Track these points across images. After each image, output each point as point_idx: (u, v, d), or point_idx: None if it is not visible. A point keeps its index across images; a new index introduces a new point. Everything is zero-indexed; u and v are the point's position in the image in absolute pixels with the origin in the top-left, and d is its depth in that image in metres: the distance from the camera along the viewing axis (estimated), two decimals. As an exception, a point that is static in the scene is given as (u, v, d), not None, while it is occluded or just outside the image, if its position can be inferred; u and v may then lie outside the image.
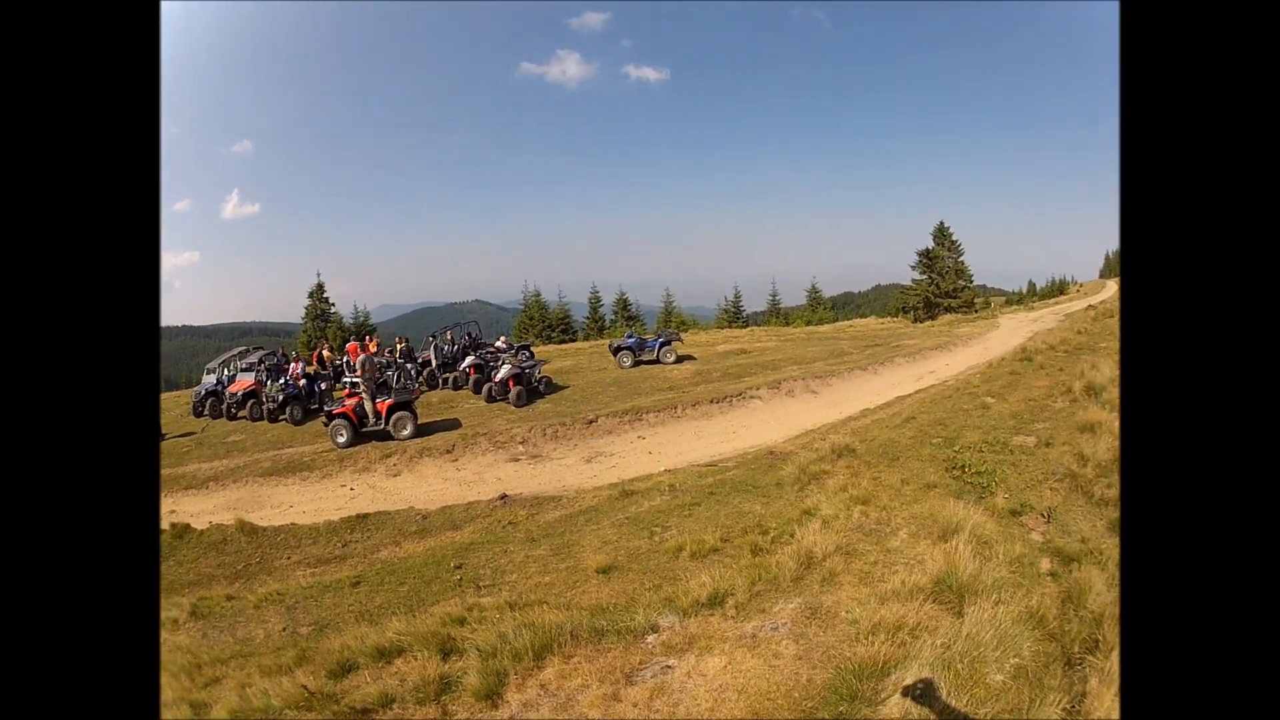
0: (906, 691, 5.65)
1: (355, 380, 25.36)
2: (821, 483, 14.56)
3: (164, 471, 23.95)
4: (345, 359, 34.12)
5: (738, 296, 58.84)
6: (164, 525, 19.30)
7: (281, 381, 29.12)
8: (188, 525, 18.97)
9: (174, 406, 37.48)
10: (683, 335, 36.17)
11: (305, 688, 7.27)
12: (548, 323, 55.78)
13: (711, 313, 62.74)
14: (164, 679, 8.66)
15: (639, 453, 21.42)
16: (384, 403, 24.01)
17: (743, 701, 5.98)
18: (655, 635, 7.50)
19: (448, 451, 22.16)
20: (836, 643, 6.82)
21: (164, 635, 12.40)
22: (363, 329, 53.00)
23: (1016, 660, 6.03)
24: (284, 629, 12.11)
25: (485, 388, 27.69)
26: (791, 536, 10.82)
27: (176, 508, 21.07)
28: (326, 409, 24.85)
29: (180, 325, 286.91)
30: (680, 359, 31.97)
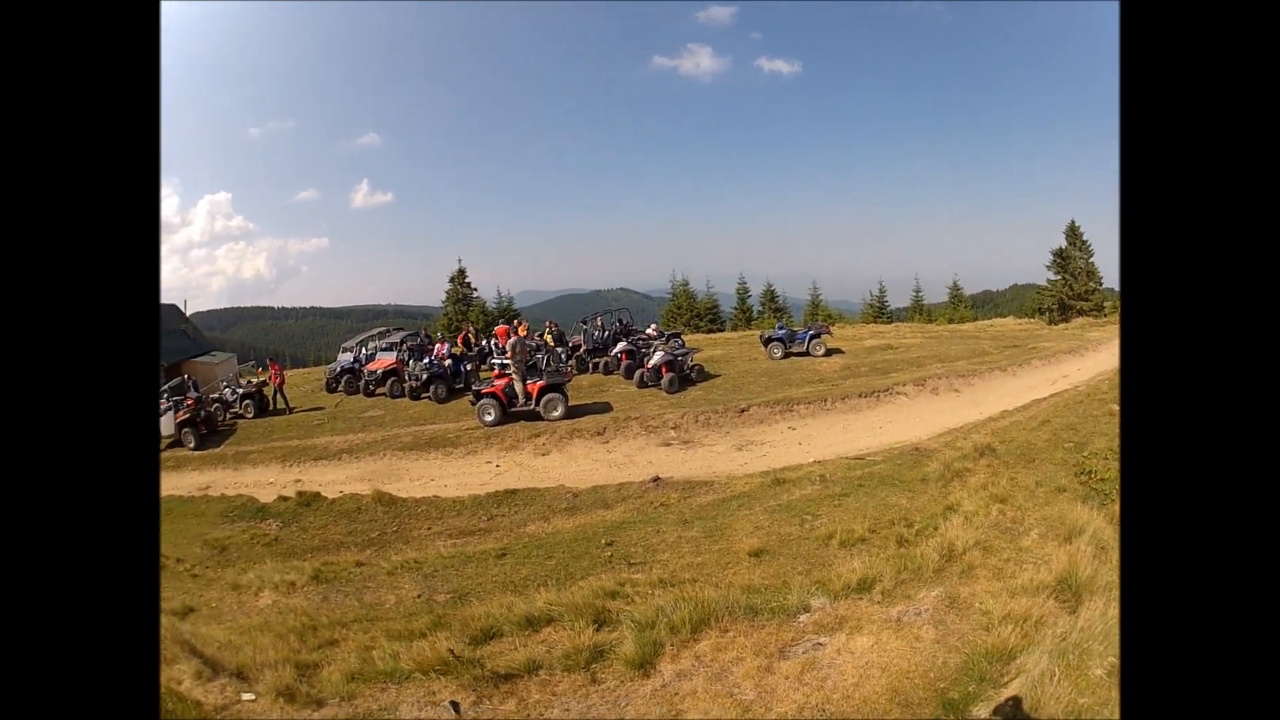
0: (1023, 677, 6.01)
1: (505, 362, 25.92)
2: (963, 480, 15.00)
3: (293, 443, 25.52)
4: (493, 341, 34.72)
5: (882, 291, 57.83)
6: (289, 493, 20.60)
7: (426, 361, 29.97)
8: (317, 494, 20.25)
9: (304, 382, 39.39)
10: (831, 329, 35.86)
11: (451, 651, 7.51)
12: (696, 312, 55.26)
13: (856, 307, 61.78)
14: (268, 640, 9.26)
15: (789, 443, 21.45)
16: (535, 384, 24.44)
17: (885, 679, 6.34)
18: (807, 615, 7.84)
19: (599, 433, 22.45)
20: (970, 630, 7.18)
21: (277, 598, 13.65)
22: (507, 313, 53.05)
23: (1113, 659, 6.18)
24: (419, 596, 12.76)
25: (637, 373, 27.81)
26: (935, 530, 11.47)
27: (304, 477, 22.51)
28: (475, 388, 25.59)
29: (308, 307, 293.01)
30: (829, 352, 31.64)
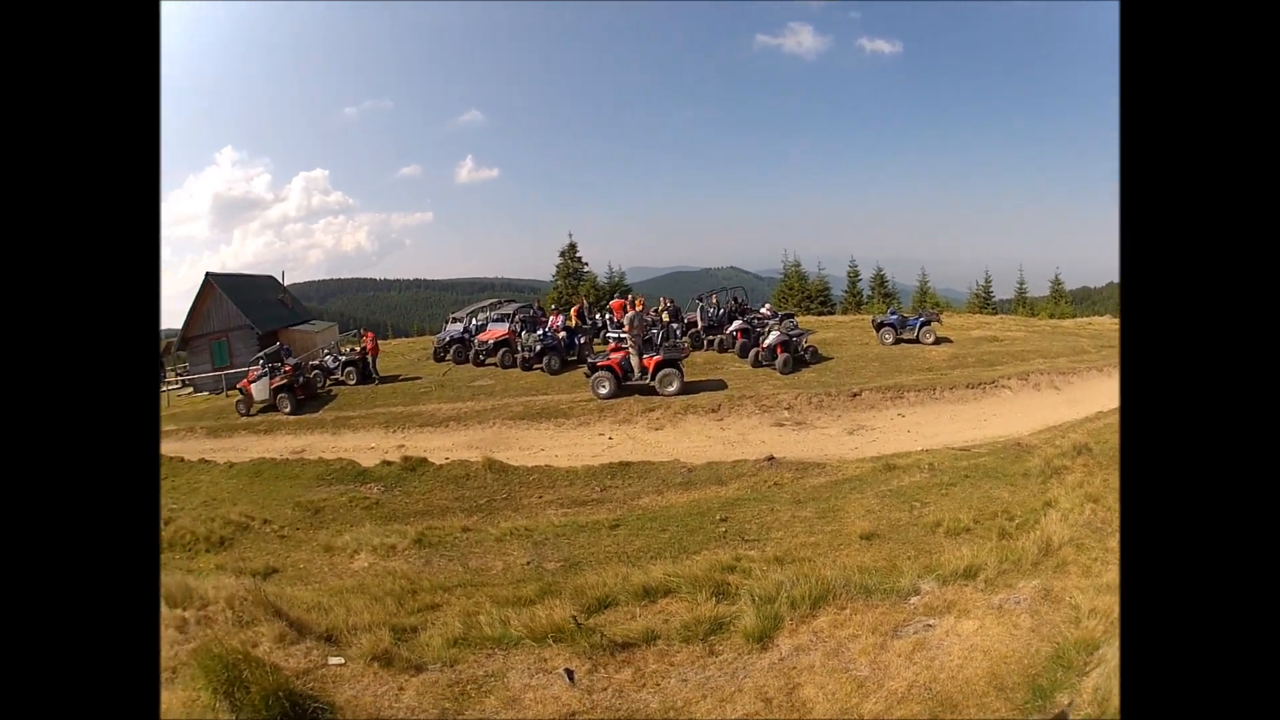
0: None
1: (621, 335, 26.48)
2: (1061, 478, 15.02)
3: (398, 409, 26.22)
4: (608, 315, 35.42)
5: (988, 282, 56.75)
6: (393, 458, 21.04)
7: (539, 333, 30.33)
8: (423, 459, 20.78)
9: (409, 351, 40.61)
10: (940, 317, 35.52)
11: (574, 617, 7.36)
12: (807, 293, 54.72)
13: (962, 296, 60.88)
14: (361, 603, 9.14)
15: (898, 430, 21.42)
16: (651, 359, 24.71)
17: (986, 662, 6.29)
18: (917, 597, 7.64)
19: (713, 410, 22.67)
20: (1061, 622, 7.09)
21: (374, 560, 13.97)
22: (618, 289, 53.58)
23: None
24: (527, 563, 13.00)
25: (752, 352, 27.79)
26: (1034, 524, 11.71)
27: (408, 443, 23.10)
28: (590, 361, 25.94)
29: (412, 279, 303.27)
30: (938, 340, 31.31)
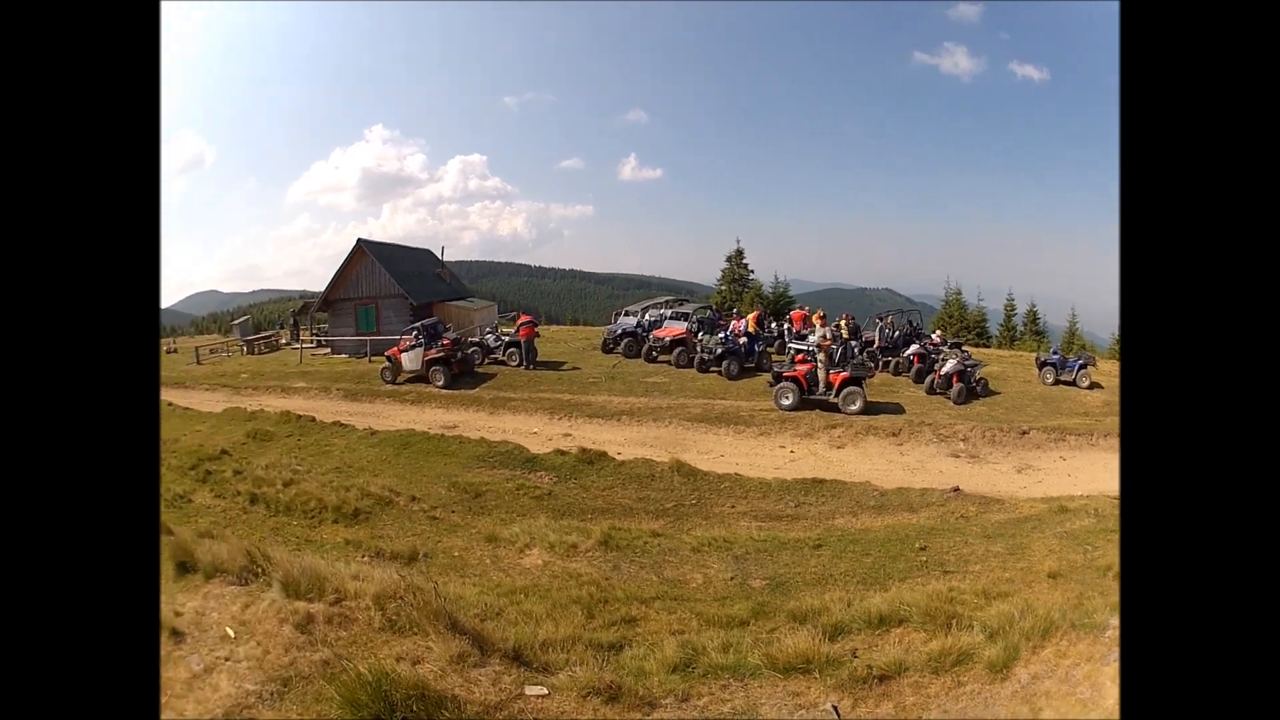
0: None
1: (803, 347, 26.12)
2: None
3: (564, 396, 25.96)
4: (787, 325, 34.95)
5: None
6: (564, 446, 20.92)
7: (721, 335, 30.14)
8: (602, 452, 20.26)
9: (569, 339, 40.85)
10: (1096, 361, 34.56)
11: (854, 652, 7.09)
12: (965, 323, 53.82)
13: (1105, 342, 59.46)
14: (542, 608, 9.06)
15: (1060, 472, 20.65)
16: (837, 375, 24.32)
17: None
18: (1110, 631, 7.84)
19: (893, 434, 22.30)
20: None
21: (551, 559, 13.50)
22: (781, 298, 52.66)
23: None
24: (731, 578, 12.54)
25: (929, 379, 27.31)
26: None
27: (575, 432, 22.90)
28: (776, 370, 25.58)
29: (567, 269, 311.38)
30: (1092, 385, 30.65)
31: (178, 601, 8.82)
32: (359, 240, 41.74)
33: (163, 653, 6.53)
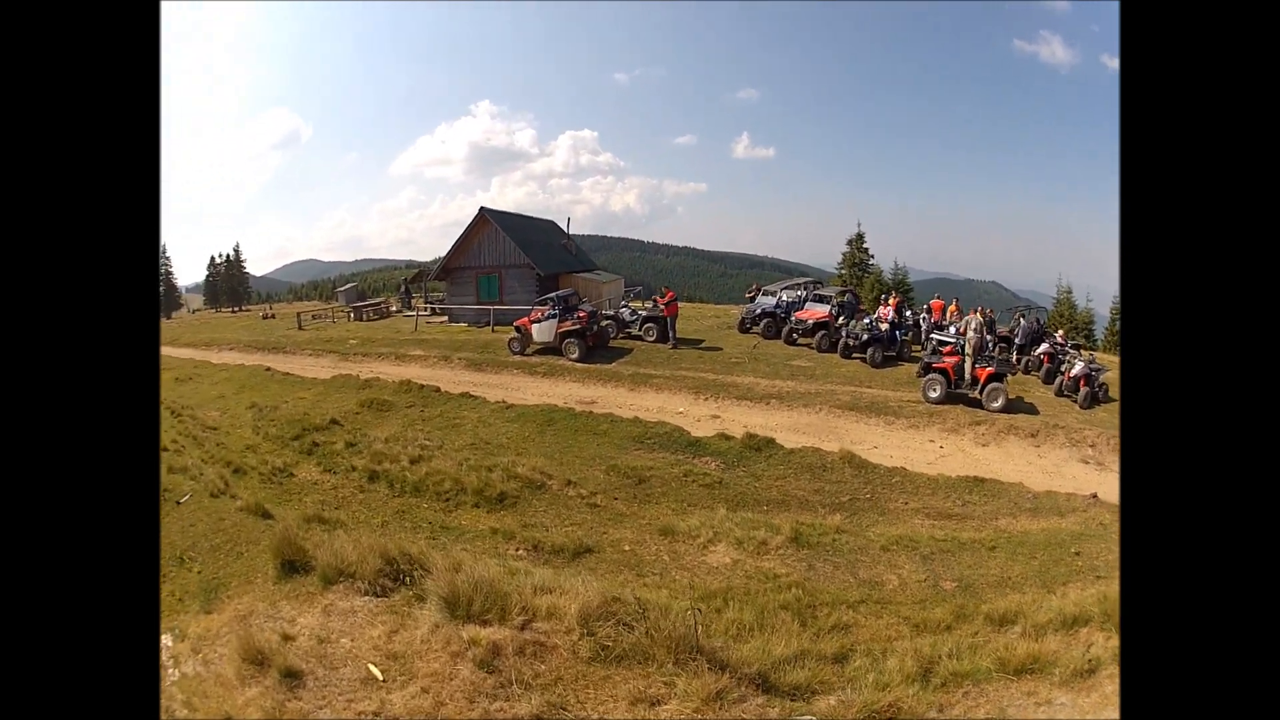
0: None
1: (946, 339, 25.32)
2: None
3: (707, 375, 25.07)
4: (924, 314, 34.13)
5: None
6: (730, 430, 19.88)
7: (867, 321, 29.24)
8: (770, 439, 19.31)
9: (697, 316, 40.85)
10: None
11: (1088, 647, 7.21)
12: (1074, 324, 51.89)
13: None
14: (748, 615, 8.63)
15: None
16: (983, 370, 23.26)
17: None
18: None
19: (1031, 435, 20.80)
20: None
21: (741, 557, 12.78)
22: (900, 285, 52.32)
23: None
24: (923, 580, 12.22)
25: (1058, 380, 25.59)
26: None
27: (723, 414, 21.86)
28: (925, 361, 24.58)
29: (681, 246, 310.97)
30: None
31: (282, 613, 7.75)
32: (482, 209, 41.65)
33: (272, 701, 6.07)
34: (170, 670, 6.91)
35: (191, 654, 7.20)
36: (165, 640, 7.48)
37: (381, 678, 5.90)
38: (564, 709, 5.01)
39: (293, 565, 8.25)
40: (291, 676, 6.18)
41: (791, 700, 5.87)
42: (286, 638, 6.71)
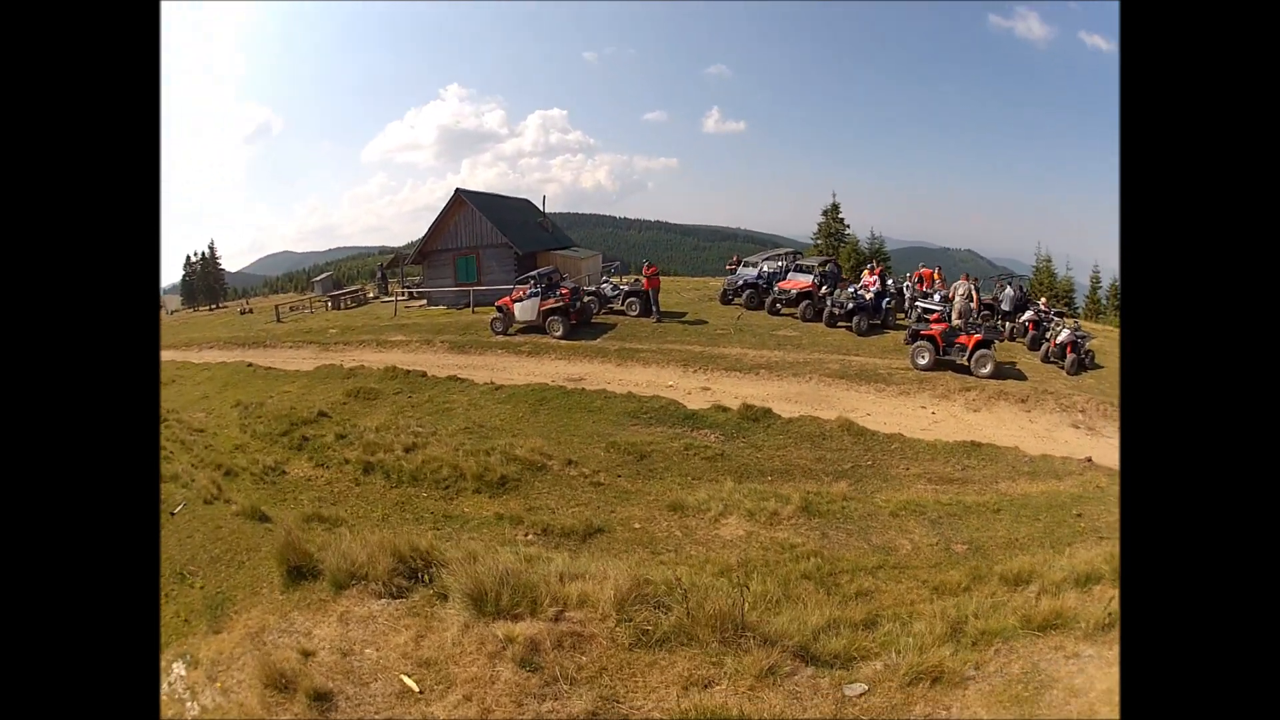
0: None
1: (936, 307, 26.03)
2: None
3: (694, 348, 25.20)
4: (908, 282, 34.45)
5: None
6: (723, 402, 20.04)
7: (852, 290, 29.54)
8: (767, 409, 19.45)
9: (676, 289, 40.39)
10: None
11: (1109, 602, 7.15)
12: (1054, 292, 52.28)
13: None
14: (772, 586, 8.58)
15: None
16: (970, 337, 23.63)
17: None
18: None
19: (1022, 401, 21.24)
20: None
21: (753, 529, 12.78)
22: (878, 254, 53.48)
23: None
24: (935, 544, 12.34)
25: (1044, 347, 25.99)
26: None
27: (713, 386, 21.99)
28: (913, 329, 24.93)
29: (653, 220, 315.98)
30: None
31: (296, 626, 7.48)
32: (458, 190, 41.87)
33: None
34: (189, 705, 6.62)
35: (208, 683, 6.90)
36: (178, 669, 7.21)
37: (418, 689, 5.68)
38: (617, 701, 4.92)
39: (299, 571, 7.97)
40: (321, 699, 5.88)
41: (835, 670, 5.82)
42: (306, 654, 6.44)
